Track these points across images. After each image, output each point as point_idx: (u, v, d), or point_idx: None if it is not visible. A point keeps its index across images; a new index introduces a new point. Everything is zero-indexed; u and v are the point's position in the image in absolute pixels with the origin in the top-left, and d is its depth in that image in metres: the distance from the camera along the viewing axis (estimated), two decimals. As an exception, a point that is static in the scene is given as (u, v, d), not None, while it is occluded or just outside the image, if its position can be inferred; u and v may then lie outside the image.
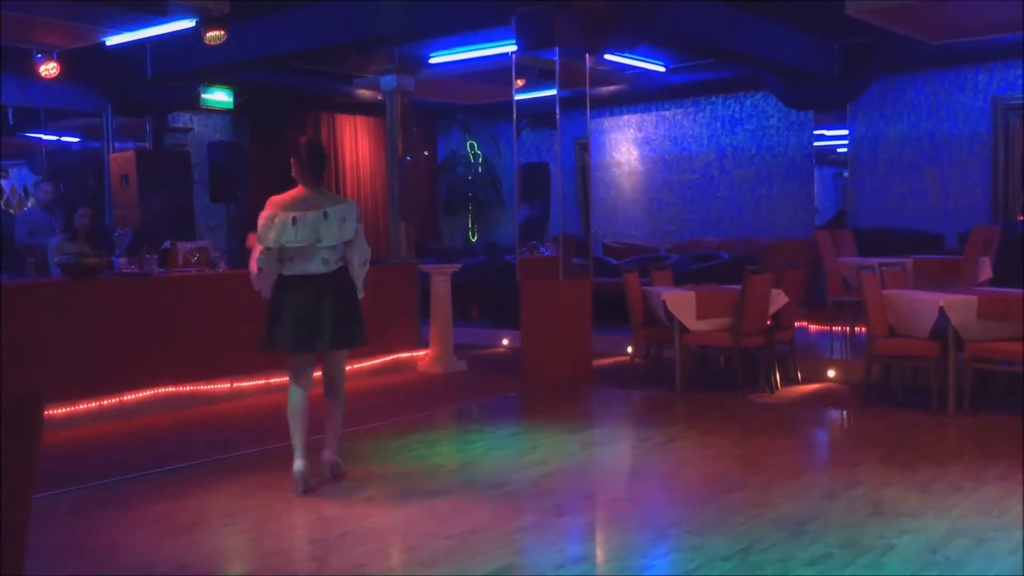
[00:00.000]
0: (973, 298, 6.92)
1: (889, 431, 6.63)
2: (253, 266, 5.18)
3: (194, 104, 12.72)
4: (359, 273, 5.32)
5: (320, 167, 5.36)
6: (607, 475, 5.84)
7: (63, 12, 8.86)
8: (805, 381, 8.38)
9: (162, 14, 8.90)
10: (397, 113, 11.46)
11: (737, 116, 14.16)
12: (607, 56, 11.17)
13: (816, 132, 13.51)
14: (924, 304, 7.05)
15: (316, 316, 5.18)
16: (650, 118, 14.93)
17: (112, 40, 10.06)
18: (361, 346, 5.45)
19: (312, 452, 5.37)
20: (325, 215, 5.18)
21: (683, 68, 12.89)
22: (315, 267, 5.19)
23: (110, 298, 7.36)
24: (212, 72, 11.87)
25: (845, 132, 13.26)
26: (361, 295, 5.35)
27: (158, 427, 7.04)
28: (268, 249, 5.13)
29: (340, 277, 5.25)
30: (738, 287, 7.84)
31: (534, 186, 12.35)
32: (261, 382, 8.15)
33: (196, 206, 12.45)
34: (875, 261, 8.19)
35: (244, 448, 6.28)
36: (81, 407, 6.98)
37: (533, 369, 8.57)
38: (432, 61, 11.71)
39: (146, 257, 7.89)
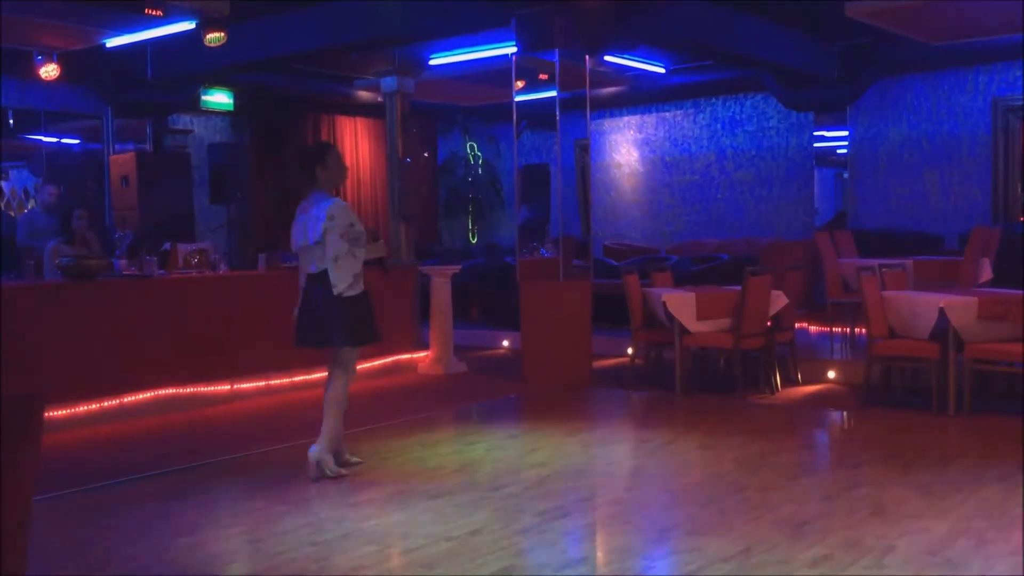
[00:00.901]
0: (973, 299, 6.92)
1: (889, 432, 6.63)
2: None
3: (194, 106, 12.72)
4: (331, 270, 5.33)
5: (305, 170, 5.52)
6: (607, 477, 5.84)
7: (63, 14, 8.86)
8: (805, 382, 8.38)
9: (162, 16, 8.89)
10: (397, 114, 11.46)
11: (737, 117, 14.17)
12: (607, 57, 11.17)
13: (816, 133, 13.51)
14: (924, 305, 7.05)
15: (303, 313, 5.54)
16: (650, 119, 14.94)
17: (112, 42, 10.07)
18: (336, 346, 5.47)
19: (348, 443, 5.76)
20: (308, 216, 5.44)
21: (683, 69, 12.90)
22: (310, 267, 5.48)
23: (110, 300, 7.36)
24: (212, 74, 11.87)
25: (845, 133, 13.26)
26: (335, 291, 5.32)
27: (158, 429, 7.04)
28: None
29: (323, 277, 5.41)
30: (738, 288, 7.84)
31: (534, 187, 12.34)
32: (261, 384, 8.15)
33: (196, 208, 12.45)
34: (875, 262, 8.19)
35: (244, 450, 6.28)
36: (81, 409, 6.98)
37: (533, 370, 8.57)
38: (432, 63, 11.71)
39: (146, 259, 7.89)
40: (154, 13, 8.41)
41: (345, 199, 5.90)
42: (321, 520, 4.76)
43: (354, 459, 5.74)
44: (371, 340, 5.57)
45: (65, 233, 8.07)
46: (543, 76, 9.78)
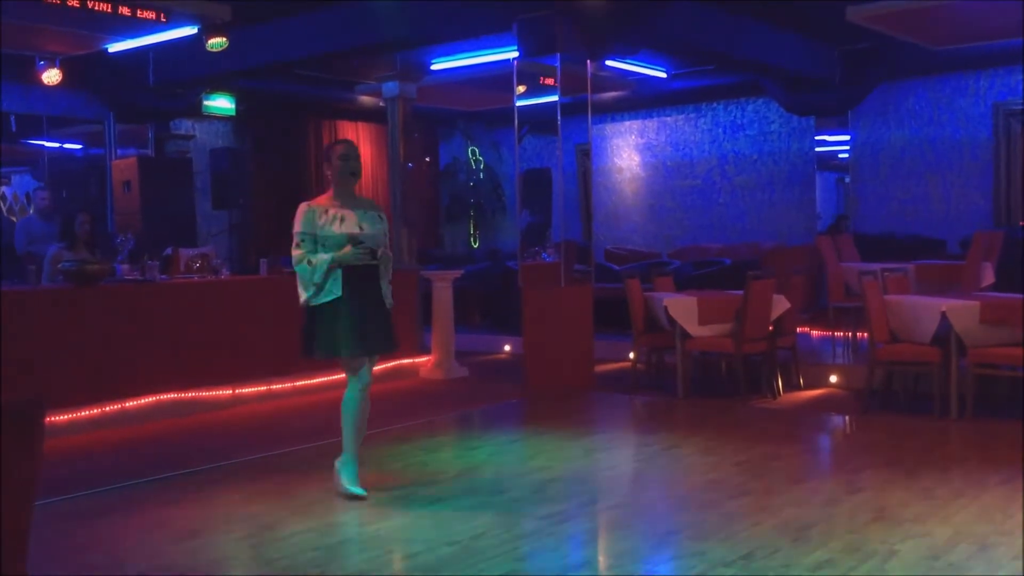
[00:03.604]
0: (975, 303, 6.91)
1: (891, 437, 6.62)
2: None
3: (196, 111, 12.74)
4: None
5: (323, 170, 5.37)
6: (609, 481, 5.83)
7: (66, 19, 8.88)
8: (807, 387, 8.38)
9: (164, 21, 8.91)
10: (399, 120, 11.47)
11: (739, 122, 14.17)
12: (608, 62, 11.18)
13: (818, 138, 13.52)
14: (926, 309, 7.05)
15: None
16: (652, 124, 14.94)
17: (114, 47, 10.09)
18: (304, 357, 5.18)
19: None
20: None
21: (684, 74, 12.91)
22: None
23: (112, 305, 7.36)
24: (214, 79, 11.89)
25: (847, 137, 13.27)
26: (300, 301, 5.07)
27: (160, 433, 7.04)
28: None
29: None
30: (740, 293, 7.84)
31: (536, 192, 12.37)
32: (263, 388, 8.15)
33: (198, 213, 12.47)
34: (877, 266, 8.18)
35: (246, 455, 6.27)
36: (83, 414, 6.97)
37: (535, 375, 8.56)
38: (434, 68, 11.72)
39: (148, 264, 7.89)
40: (160, 18, 8.41)
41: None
42: (322, 525, 4.75)
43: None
44: (335, 352, 5.07)
45: (66, 238, 8.03)
46: (545, 81, 9.79)
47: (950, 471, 5.61)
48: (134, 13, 8.34)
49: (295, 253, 5.05)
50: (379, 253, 5.11)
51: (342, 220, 5.04)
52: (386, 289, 5.20)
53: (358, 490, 5.13)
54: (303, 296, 5.06)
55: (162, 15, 8.64)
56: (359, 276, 5.06)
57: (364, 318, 5.06)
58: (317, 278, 4.98)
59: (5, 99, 10.93)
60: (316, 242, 5.03)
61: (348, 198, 5.14)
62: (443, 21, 9.49)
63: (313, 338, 5.06)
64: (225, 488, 5.51)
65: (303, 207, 5.11)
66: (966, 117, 12.32)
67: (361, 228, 5.05)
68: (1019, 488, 5.11)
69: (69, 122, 12.28)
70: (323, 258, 4.97)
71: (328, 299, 5.00)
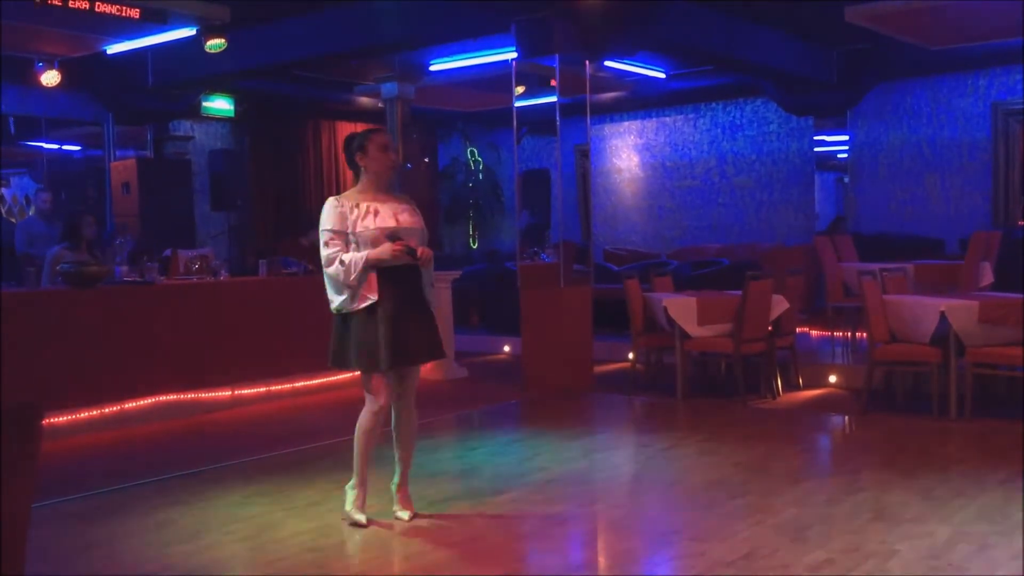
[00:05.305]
0: (974, 303, 6.92)
1: (891, 437, 6.62)
2: None
3: (195, 112, 12.75)
4: (326, 283, 4.57)
5: (350, 160, 4.70)
6: (609, 482, 5.83)
7: (64, 21, 8.88)
8: (806, 387, 8.38)
9: (163, 23, 8.92)
10: (398, 120, 11.48)
11: (737, 122, 14.18)
12: (607, 63, 11.19)
13: (816, 138, 13.53)
14: (925, 309, 7.05)
15: None
16: (650, 124, 14.95)
17: (113, 49, 10.09)
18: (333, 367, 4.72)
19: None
20: None
21: (683, 74, 12.92)
22: None
23: (111, 306, 7.35)
24: (213, 80, 11.90)
25: (845, 138, 13.28)
26: (331, 307, 4.57)
27: (159, 435, 7.04)
28: None
29: None
30: (739, 293, 7.84)
31: (535, 193, 12.36)
32: (262, 390, 8.15)
33: (197, 214, 12.47)
34: (876, 266, 8.18)
35: (245, 456, 6.27)
36: (82, 415, 6.97)
37: (534, 376, 8.56)
38: (432, 68, 11.73)
39: (147, 265, 7.88)
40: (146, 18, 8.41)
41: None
42: (321, 526, 4.75)
43: (400, 513, 4.85)
44: (374, 367, 4.53)
45: (71, 239, 8.00)
46: (543, 82, 9.79)
47: (949, 471, 5.61)
48: (130, 14, 8.33)
49: (324, 253, 4.48)
50: (419, 251, 4.55)
51: (376, 213, 4.49)
52: (428, 291, 4.77)
53: (359, 515, 4.73)
54: (335, 301, 4.51)
55: (158, 18, 8.64)
56: (399, 277, 4.53)
57: (404, 326, 4.54)
58: (352, 279, 4.43)
59: (4, 101, 10.93)
60: (347, 240, 4.49)
61: (381, 191, 4.61)
62: (441, 22, 9.50)
63: (347, 350, 4.54)
64: (225, 489, 5.50)
65: (330, 201, 4.54)
66: (965, 117, 12.33)
67: (398, 221, 4.53)
68: (1018, 488, 5.12)
69: (68, 124, 12.29)
70: (358, 256, 4.43)
71: (364, 305, 4.47)
